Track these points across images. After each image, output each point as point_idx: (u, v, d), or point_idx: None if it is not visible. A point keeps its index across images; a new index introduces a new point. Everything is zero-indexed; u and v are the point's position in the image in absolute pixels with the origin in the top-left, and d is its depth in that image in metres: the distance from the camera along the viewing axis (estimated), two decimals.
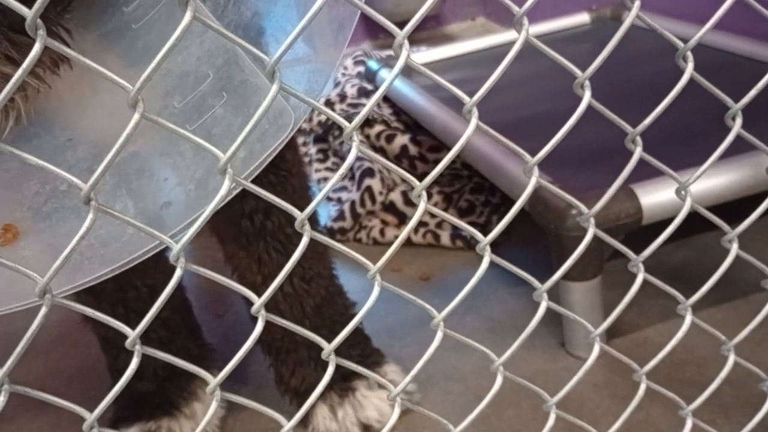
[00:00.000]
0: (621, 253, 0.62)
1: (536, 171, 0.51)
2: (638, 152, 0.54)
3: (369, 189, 1.59)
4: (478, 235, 0.53)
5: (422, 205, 0.50)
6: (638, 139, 0.54)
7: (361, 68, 2.08)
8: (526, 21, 0.47)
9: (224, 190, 0.46)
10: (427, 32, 3.01)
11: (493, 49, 1.95)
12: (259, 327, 0.50)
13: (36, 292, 0.45)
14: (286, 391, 1.09)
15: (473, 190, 1.61)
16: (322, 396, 1.06)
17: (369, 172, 1.61)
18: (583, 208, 0.56)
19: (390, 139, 1.70)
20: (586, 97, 0.50)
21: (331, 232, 1.58)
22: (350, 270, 1.24)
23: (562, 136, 0.50)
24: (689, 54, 0.52)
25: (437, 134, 1.57)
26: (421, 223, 1.55)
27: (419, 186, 0.49)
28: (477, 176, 1.61)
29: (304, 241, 0.49)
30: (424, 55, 2.00)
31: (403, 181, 1.66)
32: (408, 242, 1.54)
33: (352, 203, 1.59)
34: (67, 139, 0.70)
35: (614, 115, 0.53)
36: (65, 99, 0.70)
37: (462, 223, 0.54)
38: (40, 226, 0.67)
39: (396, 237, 1.66)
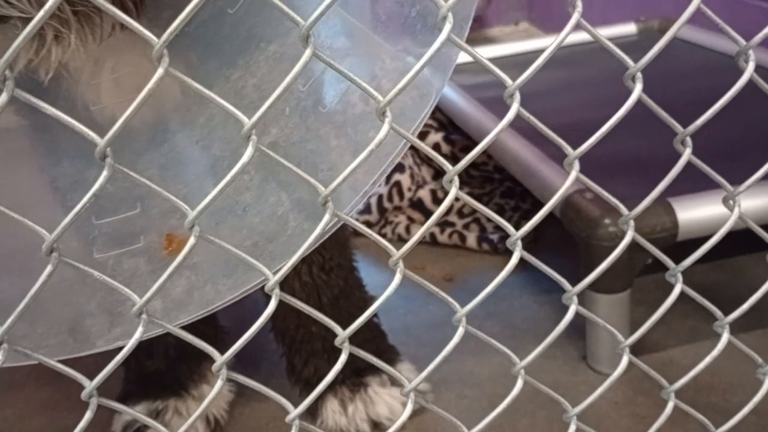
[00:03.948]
0: (652, 269, 0.59)
1: (577, 164, 0.48)
2: (687, 154, 0.51)
3: (398, 184, 1.57)
4: (510, 228, 0.50)
5: (453, 191, 0.47)
6: (688, 140, 0.51)
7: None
8: (579, 3, 0.44)
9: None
10: (470, 33, 2.97)
11: (535, 54, 1.91)
12: (271, 306, 0.47)
13: (43, 249, 0.43)
14: (297, 381, 1.07)
15: (504, 194, 1.58)
16: (333, 390, 1.04)
17: (399, 167, 1.58)
18: (624, 209, 0.53)
19: (423, 135, 1.67)
20: (637, 89, 0.47)
21: None
22: (371, 264, 1.21)
23: (608, 130, 0.47)
24: (751, 53, 0.49)
25: (471, 134, 1.54)
26: (448, 224, 1.52)
27: (452, 170, 0.46)
28: (509, 180, 1.57)
29: (325, 219, 0.46)
30: (464, 54, 1.97)
31: (433, 179, 1.64)
32: (433, 241, 1.51)
33: (380, 197, 1.56)
34: (196, 141, 0.66)
35: (664, 113, 0.49)
36: (181, 101, 0.67)
37: (495, 216, 0.51)
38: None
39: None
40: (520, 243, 0.49)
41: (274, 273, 0.46)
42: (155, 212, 0.61)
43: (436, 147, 1.65)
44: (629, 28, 1.98)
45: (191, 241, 0.45)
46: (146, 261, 0.61)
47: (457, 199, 0.47)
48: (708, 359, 0.59)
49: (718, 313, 0.59)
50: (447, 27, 0.43)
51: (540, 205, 1.36)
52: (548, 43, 1.76)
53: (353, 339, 0.54)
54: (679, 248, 1.09)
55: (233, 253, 0.47)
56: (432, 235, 1.51)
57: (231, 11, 0.62)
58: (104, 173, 0.42)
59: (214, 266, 0.58)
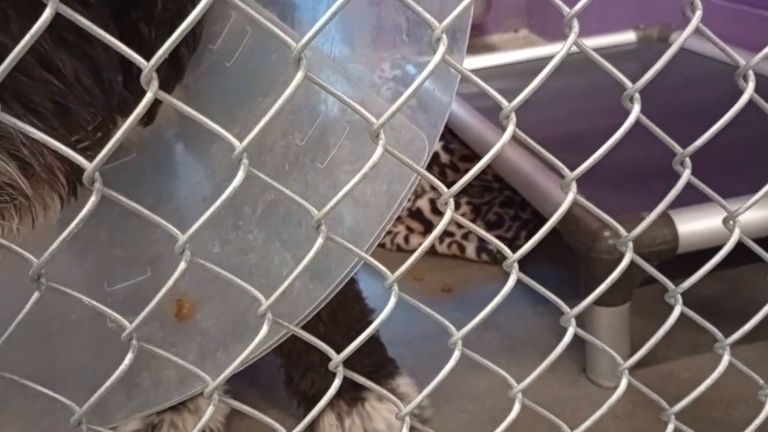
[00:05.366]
0: (653, 280, 0.58)
1: (574, 186, 0.47)
2: (686, 175, 0.50)
3: None
4: (507, 250, 0.49)
5: (448, 214, 0.46)
6: (687, 161, 0.50)
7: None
8: (576, 23, 0.43)
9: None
10: (469, 40, 2.96)
11: (535, 62, 1.91)
12: (263, 330, 0.47)
13: (30, 275, 0.43)
14: (294, 394, 1.06)
15: (503, 203, 1.57)
16: (330, 404, 1.03)
17: None
18: (622, 230, 0.52)
19: None
20: (635, 110, 0.46)
21: None
22: (371, 275, 1.20)
23: (605, 151, 0.47)
24: (750, 73, 0.48)
25: (470, 144, 1.54)
26: (447, 233, 1.51)
27: (447, 193, 0.46)
28: (508, 189, 1.56)
29: (319, 242, 0.45)
30: (467, 62, 1.96)
31: (432, 188, 1.63)
32: (432, 251, 1.50)
33: None
34: (203, 199, 0.66)
35: (663, 134, 0.49)
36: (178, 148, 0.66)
37: (490, 237, 0.50)
38: (206, 293, 0.64)
39: (420, 245, 1.62)
40: (516, 266, 0.49)
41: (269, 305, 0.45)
42: (165, 275, 0.61)
43: (435, 156, 1.64)
44: (628, 36, 1.97)
45: (182, 265, 0.44)
46: (159, 327, 0.60)
47: (456, 209, 0.46)
48: (708, 381, 0.58)
49: (718, 334, 0.58)
50: (441, 49, 0.42)
51: (539, 214, 1.35)
52: (547, 52, 1.74)
53: (351, 355, 0.53)
54: (678, 257, 1.08)
55: (227, 278, 0.46)
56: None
57: (228, 64, 0.62)
58: (92, 198, 0.41)
59: (223, 331, 0.58)
